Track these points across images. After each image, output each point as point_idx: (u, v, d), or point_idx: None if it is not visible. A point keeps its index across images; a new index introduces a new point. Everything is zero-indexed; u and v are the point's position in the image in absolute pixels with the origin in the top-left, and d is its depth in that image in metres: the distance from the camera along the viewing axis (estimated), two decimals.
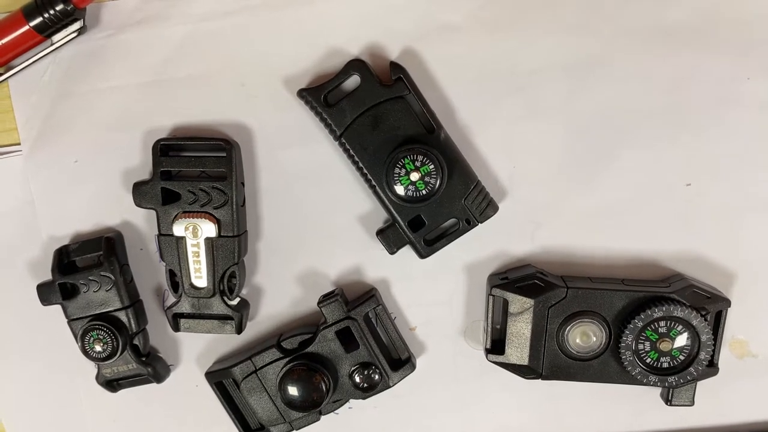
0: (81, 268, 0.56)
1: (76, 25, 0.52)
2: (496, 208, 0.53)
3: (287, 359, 0.54)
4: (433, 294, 0.56)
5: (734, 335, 0.55)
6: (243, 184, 0.54)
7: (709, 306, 0.51)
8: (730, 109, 0.52)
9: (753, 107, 0.51)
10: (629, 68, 0.52)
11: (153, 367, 0.57)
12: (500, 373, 0.54)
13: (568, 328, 0.52)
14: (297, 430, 0.56)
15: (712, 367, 0.52)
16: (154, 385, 0.58)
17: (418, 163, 0.50)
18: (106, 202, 0.56)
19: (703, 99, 0.52)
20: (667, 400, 0.54)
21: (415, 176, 0.50)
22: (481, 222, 0.52)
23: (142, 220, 0.57)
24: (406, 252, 0.54)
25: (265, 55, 0.53)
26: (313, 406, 0.53)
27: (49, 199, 0.56)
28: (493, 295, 0.52)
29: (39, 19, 0.51)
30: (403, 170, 0.50)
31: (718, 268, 0.54)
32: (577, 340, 0.52)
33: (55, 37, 0.52)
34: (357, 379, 0.54)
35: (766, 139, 0.52)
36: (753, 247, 0.54)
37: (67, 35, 0.52)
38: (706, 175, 0.53)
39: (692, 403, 0.54)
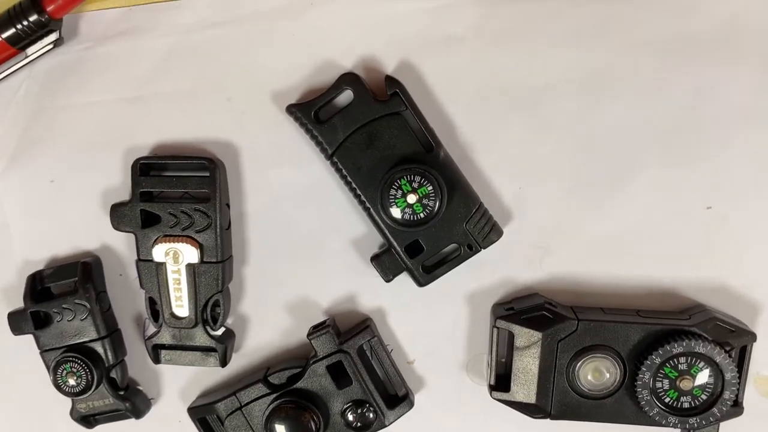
0: (56, 294, 0.52)
1: (52, 37, 0.49)
2: (500, 233, 0.49)
3: (274, 395, 0.50)
4: (433, 325, 0.53)
5: (759, 371, 0.51)
6: (228, 205, 0.51)
7: (734, 341, 0.47)
8: (754, 125, 0.48)
9: None
10: (645, 83, 0.48)
11: (131, 402, 0.53)
12: (506, 411, 0.50)
13: (579, 364, 0.48)
14: None
15: (736, 406, 0.48)
16: (133, 421, 0.54)
17: (415, 185, 0.46)
18: (84, 225, 0.53)
19: (725, 115, 0.48)
20: None
21: (412, 198, 0.46)
22: (484, 247, 0.49)
23: (122, 244, 0.53)
24: (404, 279, 0.50)
25: (254, 69, 0.50)
26: None
27: (24, 221, 0.54)
28: (498, 327, 0.49)
29: (12, 31, 0.48)
30: (400, 192, 0.46)
31: (741, 299, 0.50)
32: (589, 377, 0.48)
33: (30, 50, 0.49)
34: (350, 418, 0.50)
35: None
36: None
37: (43, 47, 0.49)
38: (729, 198, 0.49)
39: None
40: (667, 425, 0.47)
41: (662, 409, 0.47)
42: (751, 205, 0.49)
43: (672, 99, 0.48)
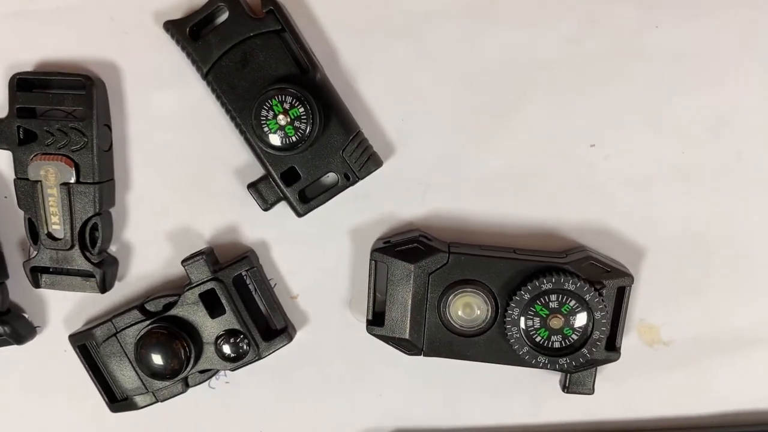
0: None
1: None
2: (379, 163, 0.48)
3: (149, 322, 0.49)
4: (317, 260, 0.51)
5: (643, 319, 0.50)
6: (109, 127, 0.50)
7: (608, 281, 0.46)
8: (639, 62, 0.47)
9: (661, 58, 0.46)
10: (529, 14, 0.47)
11: (11, 327, 0.52)
12: (385, 349, 0.49)
13: (449, 299, 0.46)
14: (161, 401, 0.51)
15: (612, 351, 0.47)
16: (17, 348, 0.53)
17: (286, 105, 0.45)
18: None
19: (608, 48, 0.47)
20: (564, 387, 0.48)
21: (282, 120, 0.45)
22: (362, 178, 0.47)
23: (5, 165, 0.52)
24: (287, 213, 0.49)
25: None
26: (172, 374, 0.48)
27: None
28: (375, 261, 0.47)
29: None
30: (271, 113, 0.45)
31: (627, 243, 0.49)
32: (459, 312, 0.47)
33: None
34: (223, 348, 0.49)
35: (676, 96, 0.47)
36: (667, 220, 0.49)
37: None
38: (612, 136, 0.48)
39: (592, 392, 0.48)
40: (536, 365, 0.46)
41: (532, 347, 0.46)
42: (634, 145, 0.47)
43: (556, 31, 0.47)
